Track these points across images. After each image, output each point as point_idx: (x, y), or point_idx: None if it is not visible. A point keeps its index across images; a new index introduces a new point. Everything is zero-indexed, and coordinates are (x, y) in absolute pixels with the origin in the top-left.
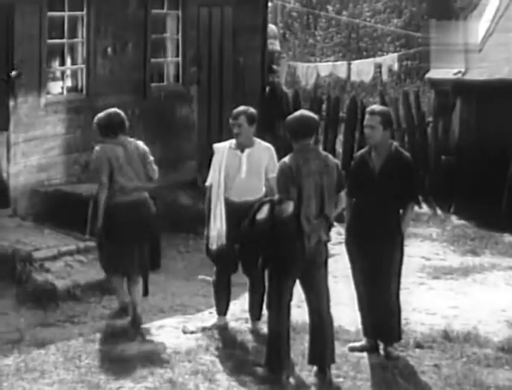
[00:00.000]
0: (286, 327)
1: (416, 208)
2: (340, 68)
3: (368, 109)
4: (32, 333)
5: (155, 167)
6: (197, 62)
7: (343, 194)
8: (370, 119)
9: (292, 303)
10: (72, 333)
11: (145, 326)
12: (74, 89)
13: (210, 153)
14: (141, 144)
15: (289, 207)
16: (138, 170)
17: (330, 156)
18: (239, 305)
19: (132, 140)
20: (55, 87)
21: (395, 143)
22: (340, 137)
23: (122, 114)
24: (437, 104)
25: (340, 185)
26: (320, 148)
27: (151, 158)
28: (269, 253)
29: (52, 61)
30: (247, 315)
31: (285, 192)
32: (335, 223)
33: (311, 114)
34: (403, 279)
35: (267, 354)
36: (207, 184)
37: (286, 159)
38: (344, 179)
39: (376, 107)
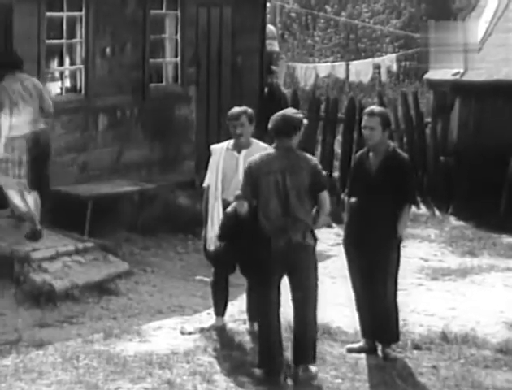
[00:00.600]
0: (275, 327)
1: (414, 209)
2: (339, 69)
3: (367, 110)
4: (30, 334)
5: (50, 102)
6: (196, 63)
7: (325, 195)
8: (369, 120)
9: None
10: (70, 333)
11: (142, 327)
12: (73, 90)
13: (209, 154)
14: (36, 81)
15: (242, 207)
16: (34, 104)
17: (305, 155)
18: (237, 306)
19: (28, 76)
20: (54, 87)
21: (392, 144)
22: (339, 138)
23: (19, 54)
24: (436, 105)
25: (318, 185)
26: (319, 149)
27: (46, 94)
28: (237, 250)
29: (50, 61)
30: (245, 316)
31: (242, 191)
32: (333, 225)
33: (296, 113)
34: (401, 280)
35: (259, 357)
36: (205, 185)
37: (252, 157)
38: (324, 179)
39: (375, 108)
